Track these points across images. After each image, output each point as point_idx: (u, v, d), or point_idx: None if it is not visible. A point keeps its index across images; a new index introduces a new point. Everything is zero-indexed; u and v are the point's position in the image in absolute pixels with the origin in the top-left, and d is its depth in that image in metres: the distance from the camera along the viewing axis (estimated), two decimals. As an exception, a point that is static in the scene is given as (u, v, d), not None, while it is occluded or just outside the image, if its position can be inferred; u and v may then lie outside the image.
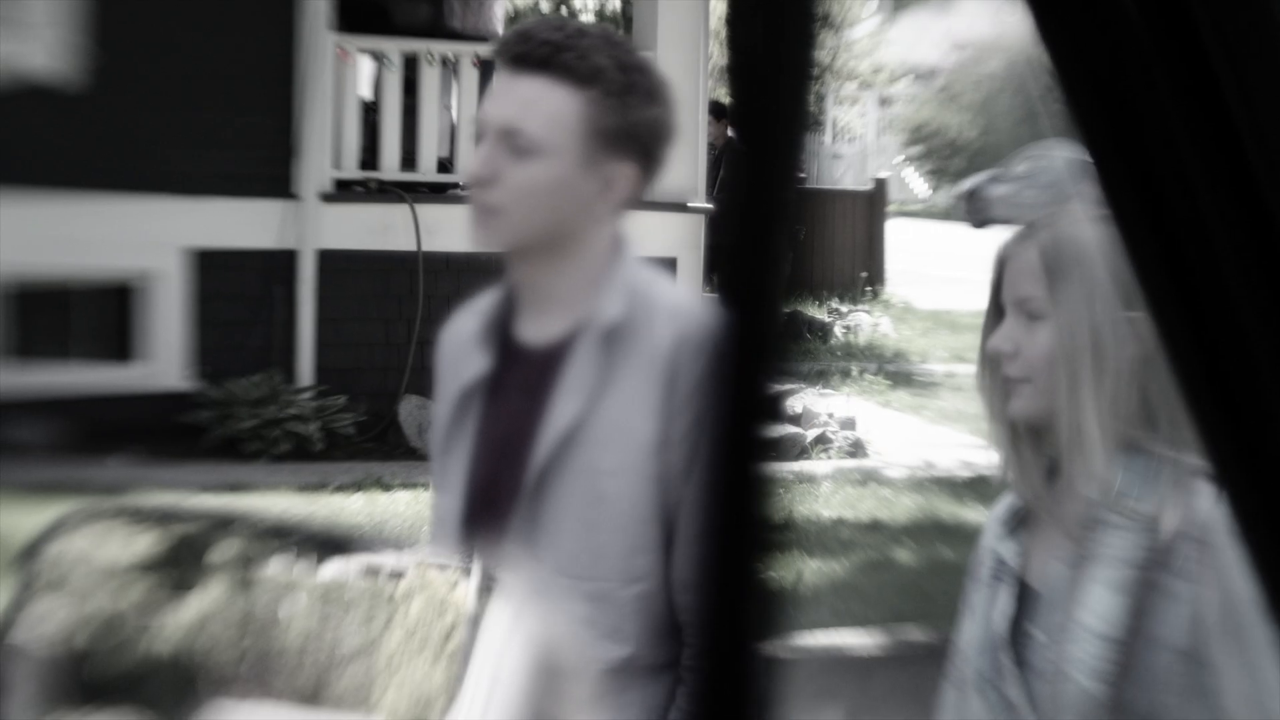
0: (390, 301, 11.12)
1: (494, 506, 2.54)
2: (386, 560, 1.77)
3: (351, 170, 11.29)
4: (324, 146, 11.09)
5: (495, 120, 2.50)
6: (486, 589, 1.74)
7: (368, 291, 11.12)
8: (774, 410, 0.72)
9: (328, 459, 10.14)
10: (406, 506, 8.81)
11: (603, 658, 2.41)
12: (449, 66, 11.66)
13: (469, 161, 2.50)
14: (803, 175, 0.71)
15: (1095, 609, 2.15)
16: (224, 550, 1.72)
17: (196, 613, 1.69)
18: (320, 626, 1.71)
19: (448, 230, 11.06)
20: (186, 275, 10.80)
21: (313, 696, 1.70)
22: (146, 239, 10.61)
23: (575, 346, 2.50)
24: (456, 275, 11.00)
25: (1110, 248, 2.23)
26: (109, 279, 10.79)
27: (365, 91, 11.55)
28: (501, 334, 2.60)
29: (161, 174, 10.47)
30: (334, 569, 1.75)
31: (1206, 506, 2.09)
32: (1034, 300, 2.24)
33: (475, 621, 1.72)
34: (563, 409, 2.48)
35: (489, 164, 2.49)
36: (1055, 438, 2.25)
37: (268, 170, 10.95)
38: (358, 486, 9.44)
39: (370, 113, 11.49)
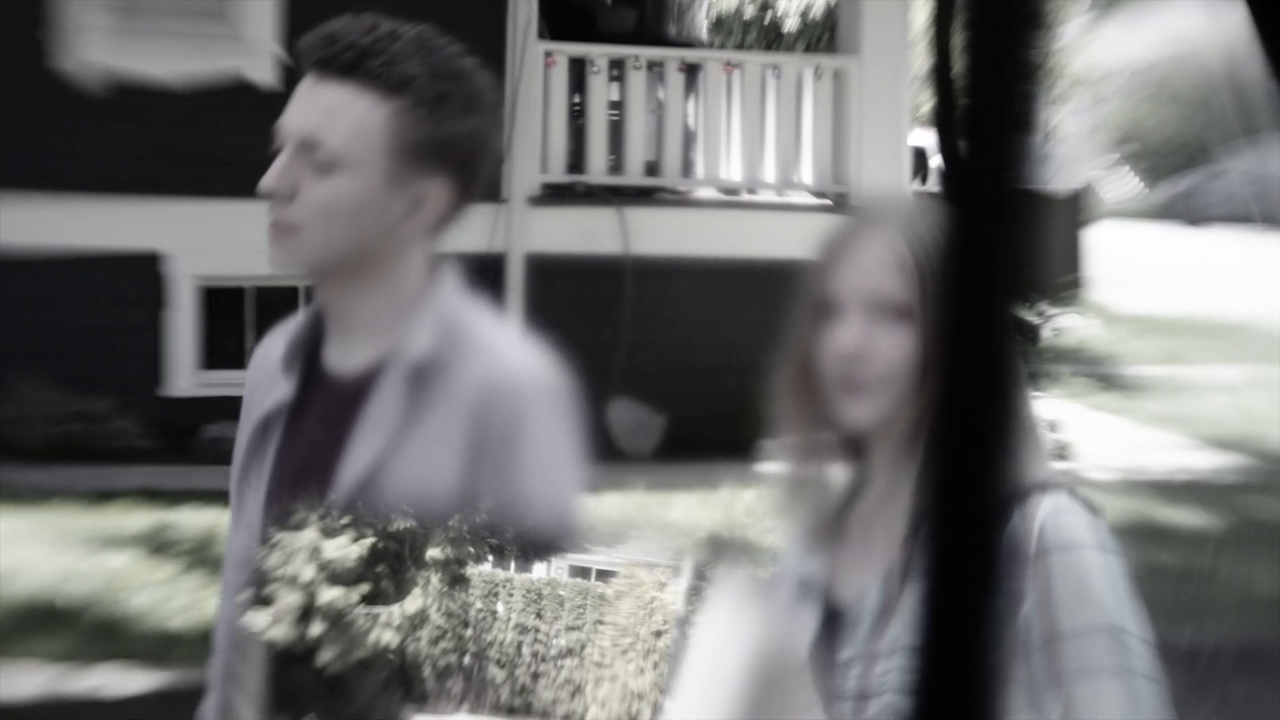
0: (598, 304, 11.20)
1: None
2: (595, 561, 1.79)
3: (559, 174, 11.39)
4: (532, 151, 11.21)
5: (294, 130, 2.28)
6: (696, 590, 1.75)
7: (575, 294, 11.20)
8: (1003, 413, 0.71)
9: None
10: (614, 508, 8.86)
11: None
12: (655, 71, 11.71)
13: (266, 174, 2.29)
14: (1021, 178, 0.70)
15: (914, 624, 1.96)
16: (437, 552, 1.75)
17: (412, 611, 1.72)
18: (530, 625, 1.74)
19: (655, 233, 11.12)
20: (398, 279, 10.98)
21: (523, 694, 1.72)
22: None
23: (380, 380, 2.29)
24: (664, 279, 11.06)
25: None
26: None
27: (573, 97, 11.64)
28: (308, 359, 2.39)
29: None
30: (544, 569, 1.78)
31: (1037, 520, 1.94)
32: (894, 298, 2.02)
33: (684, 623, 1.73)
34: (361, 450, 2.25)
35: (286, 177, 2.27)
36: (889, 448, 2.05)
37: (477, 175, 11.08)
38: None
39: (577, 117, 11.58)
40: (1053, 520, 1.95)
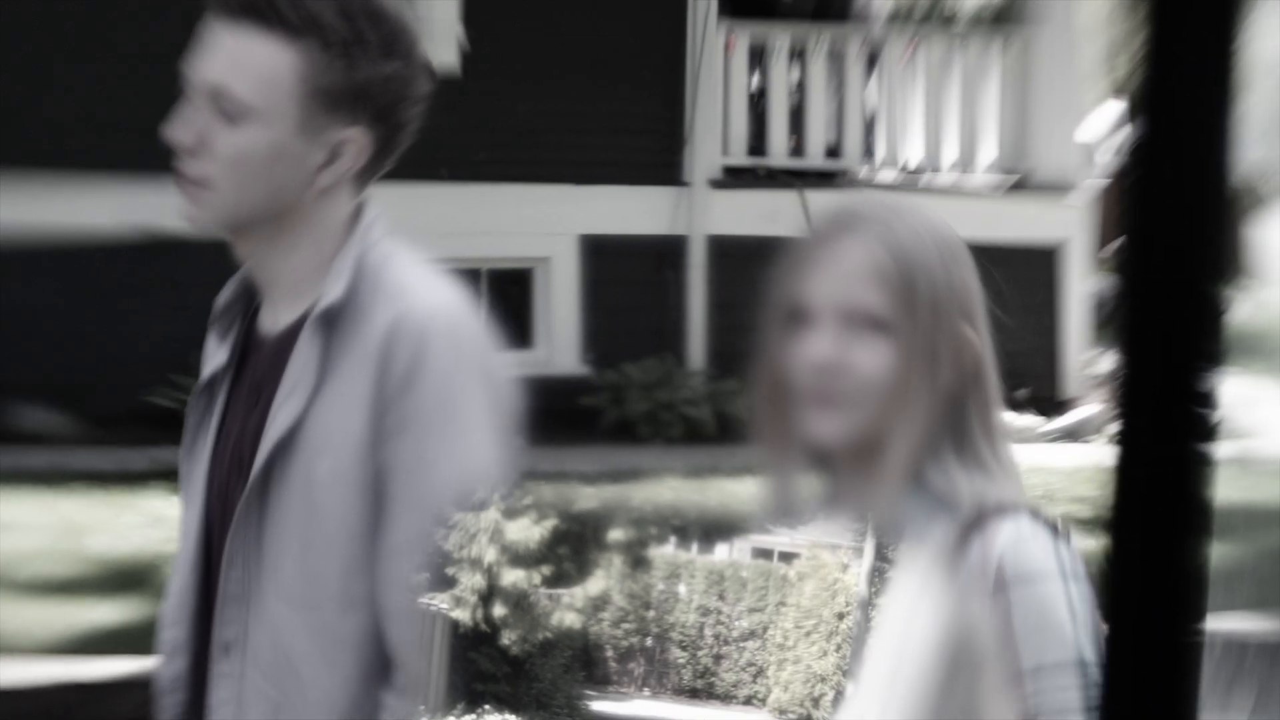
0: (779, 287, 11.16)
1: (228, 522, 2.21)
2: (778, 542, 1.78)
3: (740, 157, 11.37)
4: (713, 134, 11.20)
5: (203, 80, 2.14)
6: (879, 572, 1.73)
7: (757, 277, 11.15)
8: (1202, 397, 0.70)
9: (720, 442, 10.23)
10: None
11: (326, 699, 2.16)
12: (835, 53, 11.65)
13: (171, 125, 2.16)
14: (1215, 159, 0.69)
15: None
16: (619, 533, 1.75)
17: (594, 592, 1.73)
18: (713, 607, 1.73)
19: (836, 215, 11.05)
20: (580, 261, 11.04)
21: (705, 676, 1.72)
22: (543, 226, 10.89)
23: (299, 336, 2.17)
24: (845, 260, 10.99)
25: (949, 257, 1.90)
26: (509, 266, 11.10)
27: (753, 78, 11.62)
28: (245, 322, 2.30)
29: (558, 162, 10.73)
30: (726, 551, 1.77)
31: (996, 550, 1.82)
32: (874, 310, 1.89)
33: (867, 604, 1.72)
34: (283, 408, 2.15)
35: (196, 130, 2.14)
36: (858, 466, 1.92)
37: (658, 157, 11.11)
38: (749, 470, 9.48)
39: (758, 100, 11.56)
40: (1012, 550, 1.83)
